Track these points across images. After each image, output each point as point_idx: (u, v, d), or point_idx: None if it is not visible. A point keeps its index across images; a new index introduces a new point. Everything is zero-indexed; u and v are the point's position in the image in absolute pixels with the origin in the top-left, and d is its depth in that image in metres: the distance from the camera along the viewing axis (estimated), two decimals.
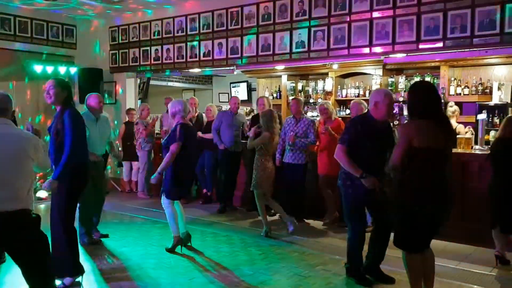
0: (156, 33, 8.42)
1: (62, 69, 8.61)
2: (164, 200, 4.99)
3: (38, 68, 8.31)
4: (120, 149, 8.60)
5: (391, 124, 4.15)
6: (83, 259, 4.60)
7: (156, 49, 8.44)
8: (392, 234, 3.54)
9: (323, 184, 6.07)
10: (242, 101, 9.54)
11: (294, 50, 6.82)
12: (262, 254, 4.92)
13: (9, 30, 8.18)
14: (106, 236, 5.50)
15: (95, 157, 5.06)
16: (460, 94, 6.88)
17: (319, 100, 8.15)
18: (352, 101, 5.89)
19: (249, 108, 10.13)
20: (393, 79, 7.35)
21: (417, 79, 7.08)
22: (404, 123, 3.56)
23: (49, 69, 8.42)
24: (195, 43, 7.91)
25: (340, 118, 6.48)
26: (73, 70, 8.79)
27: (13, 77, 8.26)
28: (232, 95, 10.92)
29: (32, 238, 2.74)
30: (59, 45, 8.90)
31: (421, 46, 5.78)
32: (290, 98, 7.96)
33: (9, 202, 2.63)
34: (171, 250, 4.95)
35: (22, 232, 2.69)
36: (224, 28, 7.52)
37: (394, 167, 3.35)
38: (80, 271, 3.99)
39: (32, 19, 8.44)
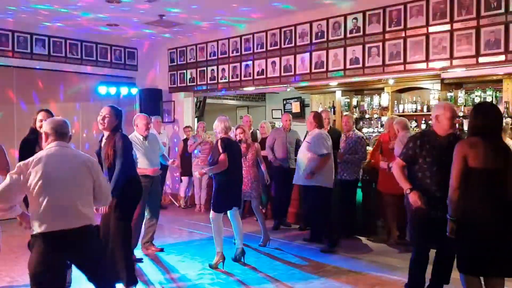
0: (212, 54, 8.70)
1: (124, 90, 8.92)
2: (211, 214, 5.09)
3: (102, 89, 8.72)
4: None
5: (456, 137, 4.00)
6: (141, 272, 4.79)
7: (212, 69, 8.70)
8: None
9: (387, 202, 5.90)
10: (295, 117, 9.60)
11: (348, 66, 6.81)
12: (318, 272, 4.90)
13: (76, 54, 8.74)
14: (161, 250, 5.70)
15: (154, 171, 5.28)
16: None
17: (375, 116, 8.06)
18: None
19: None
20: (452, 94, 7.14)
21: (477, 93, 6.85)
22: (459, 142, 3.48)
23: (112, 90, 8.76)
24: (249, 62, 8.08)
25: None
26: (134, 90, 9.16)
27: (80, 98, 8.77)
28: (285, 111, 11.01)
29: (95, 249, 2.95)
30: (122, 67, 9.37)
31: (481, 60, 5.60)
32: (344, 113, 7.92)
33: (74, 220, 2.83)
34: (214, 267, 5.01)
35: (86, 246, 2.88)
36: (278, 47, 7.64)
37: (453, 188, 3.29)
38: (134, 281, 4.16)
39: (97, 43, 8.97)
